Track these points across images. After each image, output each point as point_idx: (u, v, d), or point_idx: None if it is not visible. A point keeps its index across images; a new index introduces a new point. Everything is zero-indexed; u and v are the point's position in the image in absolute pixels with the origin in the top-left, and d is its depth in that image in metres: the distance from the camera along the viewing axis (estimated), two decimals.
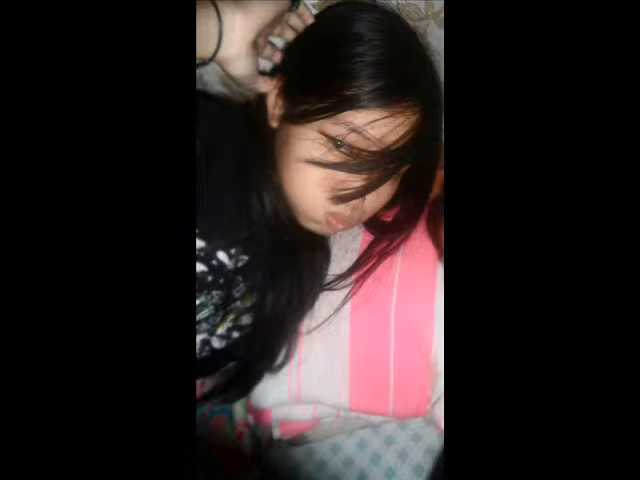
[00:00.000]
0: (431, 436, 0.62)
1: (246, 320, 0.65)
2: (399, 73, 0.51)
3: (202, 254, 0.56)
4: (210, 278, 0.58)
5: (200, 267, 0.57)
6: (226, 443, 0.70)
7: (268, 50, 0.57)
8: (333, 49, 0.52)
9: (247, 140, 0.57)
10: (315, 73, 0.53)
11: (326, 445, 0.65)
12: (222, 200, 0.56)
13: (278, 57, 0.58)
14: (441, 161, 0.58)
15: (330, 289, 0.65)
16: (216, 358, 0.64)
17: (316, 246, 0.65)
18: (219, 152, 0.54)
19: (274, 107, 0.55)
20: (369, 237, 0.66)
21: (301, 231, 0.59)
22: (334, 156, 0.51)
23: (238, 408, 0.72)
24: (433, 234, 0.65)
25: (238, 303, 0.64)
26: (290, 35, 0.57)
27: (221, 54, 0.50)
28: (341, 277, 0.64)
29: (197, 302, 0.58)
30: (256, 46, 0.52)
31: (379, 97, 0.49)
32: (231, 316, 0.63)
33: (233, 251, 0.59)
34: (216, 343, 0.63)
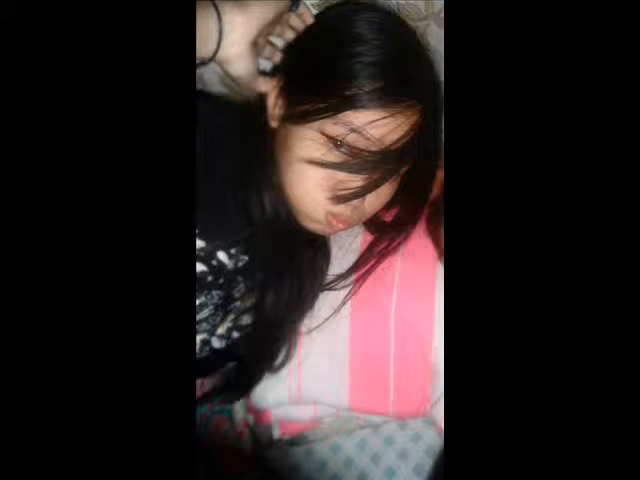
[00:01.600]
0: (431, 436, 0.62)
1: (246, 320, 0.65)
2: (399, 73, 0.51)
3: (202, 254, 0.56)
4: (210, 278, 0.58)
5: (200, 267, 0.57)
6: (226, 443, 0.70)
7: (268, 50, 0.57)
8: (333, 49, 0.52)
9: (247, 140, 0.57)
10: (315, 73, 0.52)
11: (326, 445, 0.65)
12: (222, 200, 0.56)
13: (278, 57, 0.58)
14: (441, 161, 0.58)
15: (330, 289, 0.65)
16: (216, 358, 0.64)
17: (316, 246, 0.65)
18: (219, 152, 0.54)
19: (274, 107, 0.55)
20: (369, 237, 0.66)
21: (301, 231, 0.59)
22: (334, 156, 0.51)
23: (238, 408, 0.72)
24: (433, 234, 0.65)
25: (238, 303, 0.64)
26: (290, 35, 0.57)
27: (221, 54, 0.50)
28: (341, 277, 0.64)
29: (197, 302, 0.58)
30: (256, 46, 0.52)
31: (379, 97, 0.49)
32: (231, 316, 0.64)
33: (233, 251, 0.59)
34: (216, 343, 0.63)
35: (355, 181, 0.52)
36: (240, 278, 0.62)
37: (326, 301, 0.64)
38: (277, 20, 0.53)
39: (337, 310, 0.63)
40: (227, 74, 0.53)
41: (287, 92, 0.54)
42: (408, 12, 0.66)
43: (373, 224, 0.65)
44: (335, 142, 0.51)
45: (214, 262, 0.58)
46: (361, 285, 0.64)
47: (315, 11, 0.58)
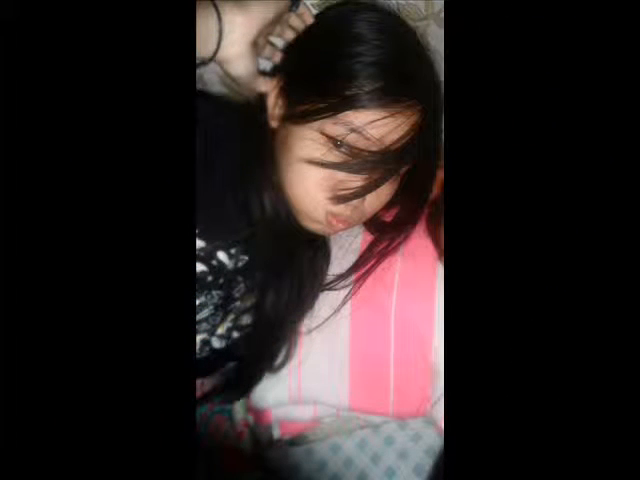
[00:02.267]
0: (431, 436, 0.62)
1: (246, 320, 0.65)
2: (399, 73, 0.51)
3: (202, 254, 0.56)
4: (210, 278, 0.58)
5: (200, 267, 0.57)
6: (226, 443, 0.70)
7: (268, 50, 0.57)
8: (333, 49, 0.52)
9: (247, 140, 0.57)
10: (315, 73, 0.53)
11: (326, 445, 0.65)
12: (222, 200, 0.56)
13: (278, 57, 0.58)
14: (441, 161, 0.58)
15: (330, 289, 0.65)
16: (216, 358, 0.64)
17: (316, 246, 0.65)
18: (219, 152, 0.54)
19: (274, 107, 0.55)
20: (369, 237, 0.66)
21: (301, 231, 0.59)
22: (334, 156, 0.51)
23: (238, 408, 0.72)
24: (433, 234, 0.65)
25: (238, 303, 0.64)
26: (290, 35, 0.57)
27: (221, 54, 0.50)
28: (341, 277, 0.64)
29: (197, 302, 0.58)
30: (256, 46, 0.52)
31: (379, 97, 0.49)
32: (231, 316, 0.64)
33: (233, 251, 0.59)
34: (216, 343, 0.63)
35: (355, 181, 0.52)
36: (240, 278, 0.62)
37: (326, 301, 0.64)
38: (277, 20, 0.53)
39: (337, 310, 0.63)
40: (227, 74, 0.53)
41: (287, 92, 0.54)
42: (408, 12, 0.66)
43: (373, 224, 0.65)
44: (335, 142, 0.51)
45: (214, 262, 0.58)
46: (361, 285, 0.64)
47: (315, 11, 0.58)
